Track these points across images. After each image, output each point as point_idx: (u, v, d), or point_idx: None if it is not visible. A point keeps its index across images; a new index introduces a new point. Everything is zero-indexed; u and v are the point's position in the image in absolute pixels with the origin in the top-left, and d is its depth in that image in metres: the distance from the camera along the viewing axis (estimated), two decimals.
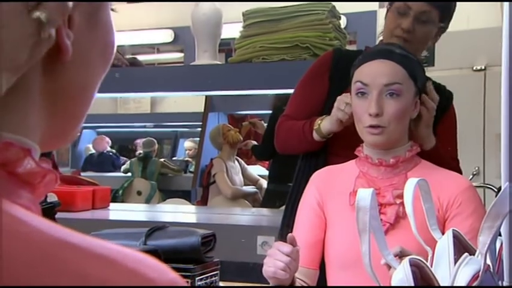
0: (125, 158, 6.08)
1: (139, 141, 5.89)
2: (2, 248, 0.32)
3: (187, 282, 1.10)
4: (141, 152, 5.25)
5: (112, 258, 0.35)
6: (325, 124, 1.41)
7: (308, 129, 1.46)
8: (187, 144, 5.92)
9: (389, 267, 0.96)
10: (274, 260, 1.10)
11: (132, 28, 4.36)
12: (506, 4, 0.84)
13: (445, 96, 1.55)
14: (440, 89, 1.54)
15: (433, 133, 1.46)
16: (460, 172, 1.45)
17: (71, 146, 6.15)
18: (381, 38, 1.59)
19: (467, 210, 1.21)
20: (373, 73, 1.22)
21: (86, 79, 0.45)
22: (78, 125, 0.47)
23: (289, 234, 1.13)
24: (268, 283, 1.26)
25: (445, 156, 1.43)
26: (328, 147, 1.50)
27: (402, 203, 1.19)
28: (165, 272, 0.36)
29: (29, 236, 0.34)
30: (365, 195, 0.76)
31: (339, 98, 1.37)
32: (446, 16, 1.54)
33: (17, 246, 0.33)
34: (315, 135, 1.44)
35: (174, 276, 0.36)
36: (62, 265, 0.33)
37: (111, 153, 6.04)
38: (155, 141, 5.33)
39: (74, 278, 0.33)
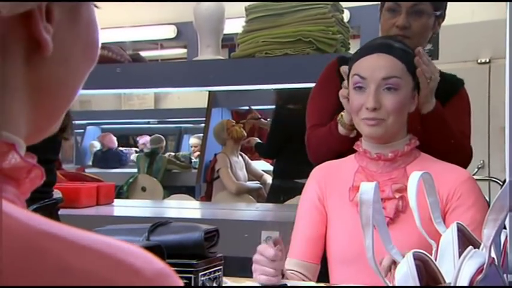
0: (134, 149, 6.09)
1: (140, 138, 5.90)
2: None
3: (191, 277, 1.10)
4: (148, 148, 5.25)
5: (97, 249, 0.34)
6: (346, 114, 1.39)
7: (334, 125, 1.44)
8: (193, 141, 5.94)
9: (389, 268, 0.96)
10: (263, 267, 1.13)
11: (134, 24, 4.36)
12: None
13: (451, 82, 1.53)
14: (445, 77, 1.52)
15: None
16: (468, 150, 1.44)
17: (75, 143, 6.16)
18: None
19: (467, 202, 1.20)
20: (371, 67, 1.21)
21: (67, 75, 0.44)
22: (57, 120, 0.47)
23: (274, 237, 1.15)
24: None
25: (450, 124, 1.42)
26: None
27: (401, 198, 1.19)
28: (152, 261, 0.35)
29: (10, 227, 0.33)
30: (368, 188, 0.75)
31: (340, 91, 1.37)
32: (440, 4, 1.52)
33: None
34: (340, 129, 1.41)
35: (162, 267, 0.35)
36: (43, 256, 0.33)
37: (118, 150, 6.05)
38: (163, 138, 5.34)
39: (56, 269, 0.32)
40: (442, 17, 1.55)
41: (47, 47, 0.40)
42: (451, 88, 1.51)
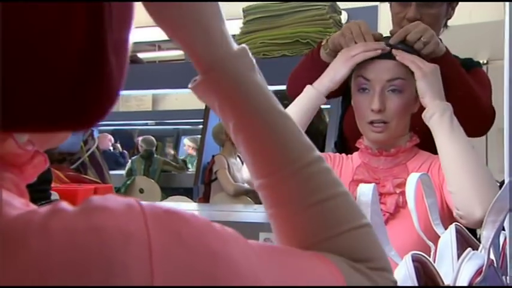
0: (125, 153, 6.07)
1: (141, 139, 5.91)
2: None
3: None
4: (144, 150, 5.24)
5: None
6: (333, 38, 1.32)
7: (316, 49, 1.39)
8: (186, 142, 5.98)
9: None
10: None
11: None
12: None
13: (465, 64, 1.44)
14: (459, 60, 1.45)
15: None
16: (487, 114, 1.36)
17: None
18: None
19: None
20: (375, 68, 1.21)
21: None
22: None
23: None
24: None
25: (463, 73, 1.32)
26: (348, 143, 1.48)
27: (402, 193, 1.18)
28: None
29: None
30: (366, 190, 0.75)
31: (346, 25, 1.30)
32: None
33: None
34: (322, 53, 1.36)
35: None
36: None
37: (114, 151, 6.04)
38: (154, 139, 5.34)
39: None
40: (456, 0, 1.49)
41: None
42: (465, 68, 1.42)
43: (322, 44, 1.37)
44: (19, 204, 0.37)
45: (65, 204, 0.37)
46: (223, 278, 0.37)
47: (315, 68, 1.35)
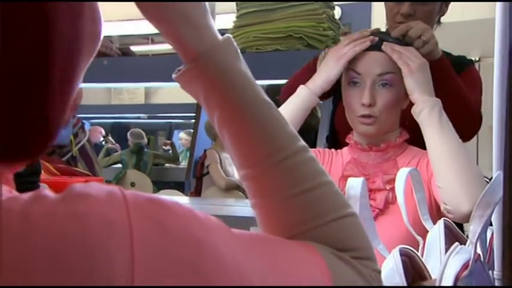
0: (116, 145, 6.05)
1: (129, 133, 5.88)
2: None
3: None
4: (133, 143, 5.20)
5: None
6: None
7: (313, 60, 1.41)
8: (182, 135, 5.96)
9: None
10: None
11: (125, 18, 4.33)
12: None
13: (457, 62, 1.44)
14: (451, 58, 1.45)
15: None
16: (476, 114, 1.35)
17: None
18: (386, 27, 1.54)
19: None
20: (366, 62, 1.21)
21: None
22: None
23: None
24: None
25: (456, 78, 1.32)
26: (339, 137, 1.48)
27: (392, 189, 1.18)
28: None
29: None
30: (355, 184, 0.75)
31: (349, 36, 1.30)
32: None
33: None
34: (318, 64, 1.38)
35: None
36: None
37: (105, 144, 6.01)
38: (143, 132, 5.32)
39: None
40: None
41: None
42: (457, 67, 1.42)
43: (321, 56, 1.38)
44: (3, 191, 0.37)
45: (48, 192, 0.37)
46: (206, 267, 0.37)
47: (306, 74, 1.35)
